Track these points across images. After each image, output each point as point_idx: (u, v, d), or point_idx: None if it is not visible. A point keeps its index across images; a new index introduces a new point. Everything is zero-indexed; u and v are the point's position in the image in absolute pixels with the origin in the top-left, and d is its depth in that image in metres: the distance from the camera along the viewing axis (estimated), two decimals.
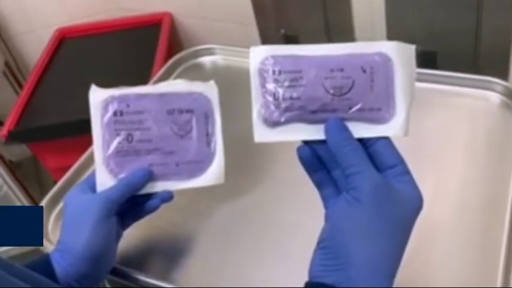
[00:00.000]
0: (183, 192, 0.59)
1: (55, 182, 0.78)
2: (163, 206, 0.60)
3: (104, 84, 0.59)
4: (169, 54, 1.11)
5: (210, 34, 1.53)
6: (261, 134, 0.47)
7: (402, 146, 0.46)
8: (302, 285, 0.42)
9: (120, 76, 1.35)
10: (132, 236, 0.65)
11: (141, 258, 0.66)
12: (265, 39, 1.32)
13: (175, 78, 0.98)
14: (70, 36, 1.62)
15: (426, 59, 1.07)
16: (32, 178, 1.67)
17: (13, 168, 1.51)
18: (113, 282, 0.66)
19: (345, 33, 1.20)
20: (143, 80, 1.01)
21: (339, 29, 1.22)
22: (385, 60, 0.46)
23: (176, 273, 0.64)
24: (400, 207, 0.42)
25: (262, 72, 0.46)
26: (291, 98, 0.46)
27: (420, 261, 0.58)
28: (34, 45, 1.65)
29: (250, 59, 0.47)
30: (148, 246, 0.68)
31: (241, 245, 0.66)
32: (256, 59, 0.47)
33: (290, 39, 1.25)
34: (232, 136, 0.62)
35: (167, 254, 0.66)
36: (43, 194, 0.77)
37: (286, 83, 0.46)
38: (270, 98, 0.46)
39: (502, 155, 0.71)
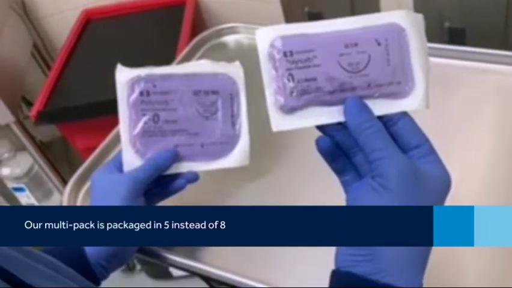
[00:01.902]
0: (208, 172, 0.60)
1: None
2: (189, 186, 0.61)
3: (130, 64, 0.60)
4: (194, 34, 1.10)
5: (233, 13, 1.52)
6: (279, 122, 0.43)
7: (429, 125, 0.44)
8: (327, 270, 0.42)
9: (145, 56, 1.36)
10: None
11: None
12: (289, 18, 1.30)
13: (199, 57, 0.98)
14: (95, 18, 1.63)
15: (454, 36, 1.04)
16: (62, 158, 1.70)
17: (44, 148, 1.53)
18: (142, 260, 0.67)
19: (371, 10, 1.18)
20: (168, 61, 1.01)
21: (365, 5, 1.19)
22: (398, 31, 0.44)
23: (203, 251, 0.65)
24: (429, 192, 0.40)
25: (272, 56, 0.43)
26: (306, 80, 0.42)
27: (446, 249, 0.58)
28: (61, 27, 1.66)
29: (257, 43, 0.43)
30: None
31: None
32: (264, 42, 0.43)
33: (314, 17, 1.24)
34: (256, 116, 0.62)
35: None
36: (73, 173, 0.78)
37: (299, 64, 0.43)
38: (285, 82, 0.43)
39: None
